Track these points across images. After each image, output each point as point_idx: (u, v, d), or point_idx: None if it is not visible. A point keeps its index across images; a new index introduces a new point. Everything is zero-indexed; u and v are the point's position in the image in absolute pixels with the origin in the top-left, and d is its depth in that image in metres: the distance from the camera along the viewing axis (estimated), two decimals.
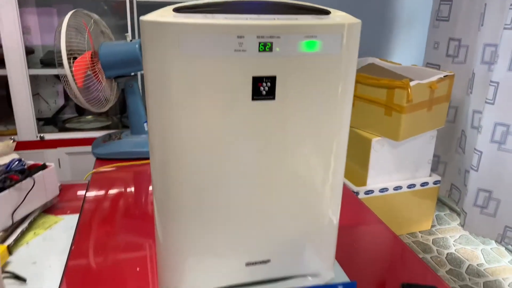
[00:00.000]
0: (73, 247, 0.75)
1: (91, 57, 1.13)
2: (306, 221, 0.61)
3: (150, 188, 0.99)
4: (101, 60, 1.13)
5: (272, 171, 0.56)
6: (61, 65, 1.08)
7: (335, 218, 0.63)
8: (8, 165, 0.81)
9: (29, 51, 1.68)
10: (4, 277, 0.67)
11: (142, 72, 0.65)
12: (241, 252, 0.59)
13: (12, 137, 1.61)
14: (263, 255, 0.61)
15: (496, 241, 1.92)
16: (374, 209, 1.85)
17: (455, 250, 1.90)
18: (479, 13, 1.79)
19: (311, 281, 0.65)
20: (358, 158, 1.88)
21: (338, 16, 0.55)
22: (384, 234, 0.84)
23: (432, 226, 2.10)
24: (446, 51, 2.02)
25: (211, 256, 0.59)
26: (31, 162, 0.87)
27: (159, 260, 0.60)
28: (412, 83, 1.64)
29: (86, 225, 0.83)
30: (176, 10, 0.51)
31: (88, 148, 1.34)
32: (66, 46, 1.08)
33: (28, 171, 0.81)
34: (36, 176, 0.81)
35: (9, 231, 0.76)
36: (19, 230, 0.77)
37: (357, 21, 0.54)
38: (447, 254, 1.88)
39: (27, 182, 0.79)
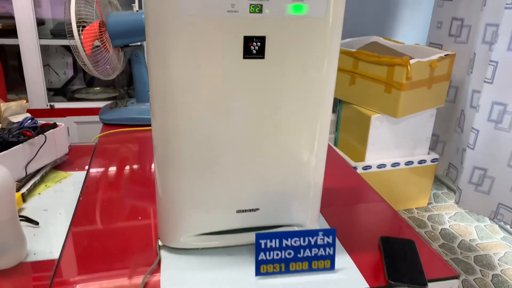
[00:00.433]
0: (81, 198, 0.82)
1: (99, 27, 1.18)
2: (292, 176, 0.67)
3: None
4: (108, 30, 1.18)
5: (261, 126, 0.62)
6: (71, 35, 1.13)
7: (319, 174, 0.69)
8: (21, 122, 0.88)
9: (40, 23, 1.74)
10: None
11: None
12: (232, 200, 0.65)
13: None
14: (252, 204, 0.66)
15: (489, 218, 1.97)
16: (371, 184, 1.91)
17: (449, 226, 1.96)
18: None
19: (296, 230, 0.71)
20: (357, 134, 1.93)
21: None
22: (370, 196, 0.90)
23: (429, 203, 2.15)
24: (448, 31, 2.03)
25: (205, 204, 0.65)
26: (42, 121, 0.93)
27: (158, 211, 0.67)
28: (412, 61, 1.67)
29: (93, 180, 0.89)
30: None
31: (96, 117, 1.40)
32: (76, 16, 1.13)
33: (40, 129, 0.88)
34: (47, 133, 0.88)
35: (23, 182, 0.83)
36: (31, 182, 0.84)
37: None
38: (441, 229, 1.93)
39: (39, 138, 0.86)
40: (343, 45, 2.00)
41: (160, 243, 0.68)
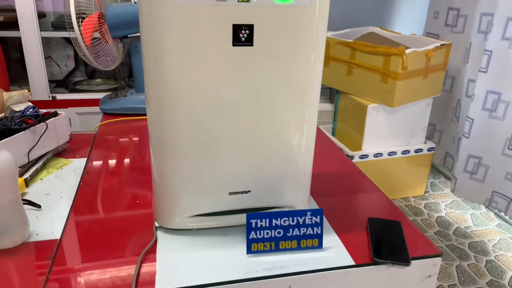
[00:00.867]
0: (81, 183, 0.85)
1: (98, 18, 1.21)
2: (282, 159, 0.70)
3: None
4: (107, 21, 1.20)
5: (251, 111, 0.65)
6: (71, 27, 1.16)
7: (309, 158, 0.72)
8: (23, 111, 0.91)
9: (41, 15, 1.76)
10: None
11: None
12: (224, 183, 0.68)
13: None
14: (244, 186, 0.70)
15: (484, 206, 2.00)
16: (368, 173, 1.94)
17: (445, 214, 1.99)
18: None
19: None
20: (354, 124, 1.95)
21: None
22: (361, 181, 0.93)
23: (426, 192, 2.18)
24: (445, 21, 2.05)
25: (199, 187, 0.68)
26: (44, 110, 0.96)
27: (154, 193, 0.70)
28: (407, 51, 1.69)
29: (93, 166, 0.93)
30: None
31: (97, 108, 1.44)
32: (75, 8, 1.16)
33: (42, 117, 0.91)
34: (48, 121, 0.91)
35: (26, 168, 0.86)
36: (34, 168, 0.88)
37: None
38: (437, 217, 1.97)
39: (41, 126, 0.89)
40: (340, 36, 2.01)
41: (156, 224, 0.72)
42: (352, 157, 1.90)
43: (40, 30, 1.69)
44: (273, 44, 0.61)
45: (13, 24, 1.66)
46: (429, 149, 2.02)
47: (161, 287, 0.59)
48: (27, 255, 0.65)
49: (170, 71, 0.60)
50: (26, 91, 0.96)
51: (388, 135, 1.94)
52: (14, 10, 1.63)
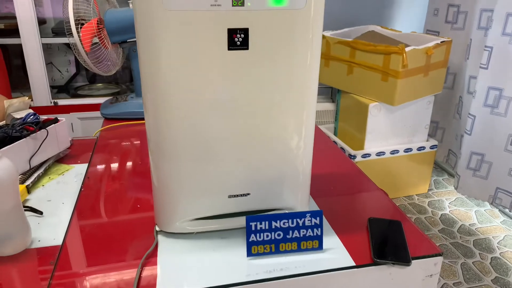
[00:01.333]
0: (82, 189, 0.86)
1: (98, 24, 1.21)
2: (280, 161, 0.70)
3: None
4: (106, 27, 1.21)
5: (248, 113, 0.65)
6: (70, 33, 1.17)
7: (308, 159, 0.72)
8: (24, 118, 0.92)
9: (41, 22, 1.77)
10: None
11: None
12: (223, 186, 0.69)
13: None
14: (243, 189, 0.70)
15: (489, 203, 1.99)
16: (371, 172, 1.94)
17: (449, 212, 1.98)
18: None
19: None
20: (355, 123, 1.95)
21: None
22: (362, 181, 0.93)
23: (429, 189, 2.18)
24: (445, 18, 2.04)
25: (198, 191, 0.68)
26: (45, 117, 0.97)
27: (154, 198, 0.70)
28: (407, 49, 1.69)
29: (94, 172, 0.93)
30: None
31: (99, 113, 1.45)
32: (74, 14, 1.16)
33: (42, 124, 0.92)
34: (49, 128, 0.91)
35: (27, 174, 0.87)
36: (36, 174, 0.88)
37: None
38: (441, 215, 1.96)
39: (41, 133, 0.89)
40: (340, 35, 2.01)
41: (157, 228, 0.72)
42: (354, 157, 1.90)
43: (41, 37, 1.70)
44: (268, 47, 0.61)
45: (14, 31, 1.68)
46: (432, 147, 2.02)
47: None
48: (29, 261, 0.65)
49: (166, 77, 0.60)
50: (27, 98, 0.96)
51: (390, 133, 1.93)
52: (14, 17, 1.65)
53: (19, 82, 1.90)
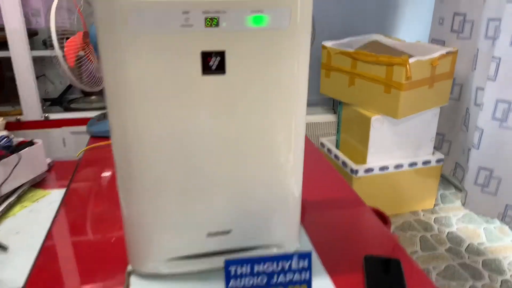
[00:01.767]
0: (55, 219, 0.80)
1: (84, 37, 1.16)
2: (266, 192, 0.63)
3: None
4: (91, 41, 1.15)
5: (227, 144, 0.58)
6: (53, 46, 1.11)
7: (297, 190, 0.65)
8: None
9: (32, 33, 1.73)
10: None
11: None
12: (201, 222, 0.62)
13: (18, 117, 1.68)
14: (224, 225, 0.63)
15: (498, 220, 1.90)
16: (374, 187, 1.86)
17: (456, 229, 1.89)
18: None
19: (275, 252, 0.67)
20: (358, 136, 1.88)
21: None
22: (359, 209, 0.85)
23: (436, 205, 2.09)
24: (451, 27, 1.97)
25: (172, 227, 0.61)
26: (20, 139, 0.91)
27: (126, 237, 0.63)
28: (411, 60, 1.61)
29: (71, 198, 0.87)
30: None
31: None
32: (59, 27, 1.11)
33: (15, 148, 0.86)
34: (22, 152, 0.85)
35: None
36: (7, 203, 0.82)
37: None
38: (448, 232, 1.87)
39: (13, 158, 0.83)
40: (341, 45, 1.95)
41: (129, 268, 0.65)
42: (356, 172, 1.82)
43: (32, 49, 1.65)
44: (248, 72, 0.55)
45: (4, 43, 1.63)
46: (438, 161, 1.94)
47: None
48: None
49: (134, 106, 0.54)
50: (1, 118, 0.91)
51: (393, 147, 1.86)
52: (3, 29, 1.60)
53: (10, 95, 1.85)
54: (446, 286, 1.53)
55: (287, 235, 0.68)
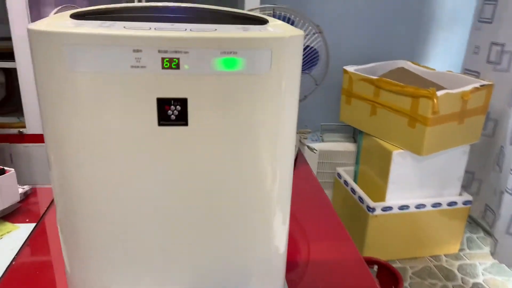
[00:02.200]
0: (13, 263, 0.70)
1: None
2: (238, 265, 0.52)
3: None
4: None
5: (189, 211, 0.47)
6: None
7: (282, 246, 0.53)
8: None
9: None
10: None
11: None
12: None
13: (21, 130, 1.63)
14: None
15: None
16: (392, 227, 1.71)
17: (483, 281, 1.71)
18: None
19: None
20: (377, 170, 1.73)
21: (272, 27, 0.45)
22: (358, 273, 0.72)
23: (460, 249, 1.91)
24: (487, 57, 1.81)
25: None
26: None
27: None
28: (440, 93, 1.47)
29: (40, 236, 0.78)
30: (75, 16, 0.44)
31: None
32: None
33: None
34: None
35: None
36: None
37: (296, 33, 0.43)
38: (473, 284, 1.69)
39: None
40: (365, 71, 1.82)
41: None
42: (373, 209, 1.67)
43: None
44: (216, 123, 0.44)
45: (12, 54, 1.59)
46: (465, 203, 1.76)
47: None
48: None
49: (75, 159, 0.44)
50: None
51: (416, 185, 1.70)
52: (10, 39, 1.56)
53: (18, 107, 1.81)
54: None
55: None
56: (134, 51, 0.40)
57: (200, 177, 0.46)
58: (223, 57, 0.41)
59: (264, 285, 0.54)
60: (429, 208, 1.73)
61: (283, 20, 0.99)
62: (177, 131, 0.44)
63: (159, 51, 0.40)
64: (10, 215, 0.85)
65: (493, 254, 1.68)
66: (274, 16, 1.01)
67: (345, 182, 1.91)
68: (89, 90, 0.41)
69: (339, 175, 1.97)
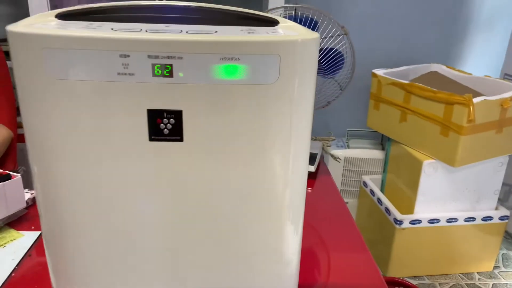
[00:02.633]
0: (12, 274, 0.67)
1: None
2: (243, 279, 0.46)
3: None
4: None
5: (185, 228, 0.42)
6: None
7: (293, 276, 0.47)
8: None
9: None
10: None
11: None
12: None
13: None
14: None
15: None
16: (420, 241, 1.61)
17: None
18: None
19: None
20: (406, 180, 1.64)
21: (283, 29, 0.38)
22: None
23: (495, 267, 1.78)
24: None
25: None
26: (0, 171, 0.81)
27: None
28: (476, 99, 1.36)
29: (41, 247, 0.75)
30: (61, 16, 0.39)
31: None
32: None
33: None
34: None
35: None
36: None
37: (310, 36, 0.37)
38: None
39: None
40: (395, 74, 1.72)
41: None
42: (401, 222, 1.58)
43: None
44: (215, 139, 0.38)
45: None
46: (502, 218, 1.64)
47: None
48: None
49: (62, 185, 0.39)
50: None
51: (447, 197, 1.59)
52: None
53: None
54: None
55: None
56: (121, 56, 0.35)
57: (195, 199, 0.40)
58: (223, 64, 0.36)
59: None
60: (461, 222, 1.62)
61: (306, 20, 0.92)
62: (171, 147, 0.38)
63: (149, 57, 0.35)
64: (16, 222, 0.82)
65: None
66: (295, 16, 0.95)
67: (371, 191, 1.81)
68: (71, 100, 0.36)
69: (365, 183, 1.88)
